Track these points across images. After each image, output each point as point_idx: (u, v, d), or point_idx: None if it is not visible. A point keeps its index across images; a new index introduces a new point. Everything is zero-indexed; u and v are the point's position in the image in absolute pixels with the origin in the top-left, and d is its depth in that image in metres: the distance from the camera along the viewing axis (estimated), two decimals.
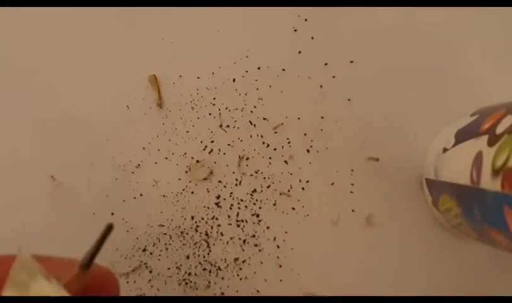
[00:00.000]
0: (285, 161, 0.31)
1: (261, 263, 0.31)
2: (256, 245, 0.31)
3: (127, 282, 0.31)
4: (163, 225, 0.31)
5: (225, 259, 0.31)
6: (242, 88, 0.31)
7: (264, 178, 0.31)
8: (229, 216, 0.31)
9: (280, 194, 0.31)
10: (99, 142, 0.32)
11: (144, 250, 0.31)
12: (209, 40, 0.32)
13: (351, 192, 0.31)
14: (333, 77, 0.31)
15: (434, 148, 0.29)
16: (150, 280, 0.31)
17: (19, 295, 0.13)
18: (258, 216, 0.31)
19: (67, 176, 0.32)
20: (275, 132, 0.31)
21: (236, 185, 0.31)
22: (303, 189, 0.31)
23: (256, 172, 0.31)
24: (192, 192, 0.31)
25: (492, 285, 0.30)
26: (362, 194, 0.31)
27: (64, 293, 0.13)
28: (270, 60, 0.31)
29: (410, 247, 0.30)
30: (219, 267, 0.31)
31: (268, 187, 0.31)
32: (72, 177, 0.32)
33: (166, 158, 0.32)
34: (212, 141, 0.31)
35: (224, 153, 0.31)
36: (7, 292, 0.13)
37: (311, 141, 0.31)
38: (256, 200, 0.31)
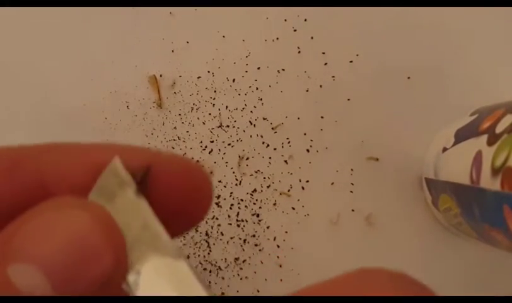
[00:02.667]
0: (285, 161, 0.31)
1: (262, 263, 0.31)
2: (256, 245, 0.31)
3: None
4: None
5: (225, 258, 0.31)
6: (242, 88, 0.31)
7: (264, 178, 0.31)
8: (229, 216, 0.31)
9: (280, 193, 0.31)
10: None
11: None
12: (209, 40, 0.32)
13: (351, 192, 0.31)
14: (333, 77, 0.31)
15: (433, 148, 0.29)
16: None
17: (105, 203, 0.12)
18: (258, 216, 0.31)
19: None
20: (275, 132, 0.31)
21: (236, 185, 0.31)
22: (303, 188, 0.31)
23: (256, 172, 0.31)
24: None
25: (492, 285, 0.30)
26: (362, 194, 0.31)
27: (147, 209, 0.12)
28: (270, 60, 0.31)
29: (410, 246, 0.30)
30: (219, 267, 0.31)
31: (268, 187, 0.31)
32: None
33: None
34: (212, 141, 0.31)
35: (224, 153, 0.31)
36: (93, 196, 0.12)
37: (311, 140, 0.31)
38: (256, 200, 0.31)
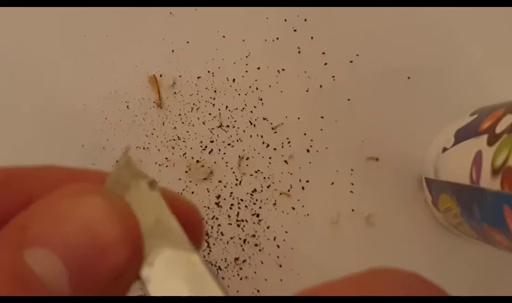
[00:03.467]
0: (285, 161, 0.31)
1: (262, 263, 0.31)
2: (256, 245, 0.31)
3: None
4: None
5: (225, 258, 0.31)
6: (242, 88, 0.31)
7: (264, 178, 0.31)
8: (229, 216, 0.31)
9: (280, 193, 0.31)
10: (100, 142, 0.32)
11: None
12: (209, 40, 0.32)
13: (351, 191, 0.31)
14: (333, 77, 0.31)
15: (433, 148, 0.29)
16: None
17: (119, 194, 0.12)
18: (258, 215, 0.31)
19: None
20: (275, 132, 0.31)
21: (236, 185, 0.31)
22: (303, 188, 0.31)
23: (256, 172, 0.31)
24: (192, 192, 0.31)
25: (492, 285, 0.30)
26: (362, 194, 0.31)
27: (161, 202, 0.12)
28: (270, 60, 0.31)
29: (410, 246, 0.30)
30: (219, 267, 0.31)
31: (268, 187, 0.31)
32: None
33: (166, 158, 0.32)
34: (212, 141, 0.31)
35: (224, 153, 0.31)
36: (109, 185, 0.12)
37: (311, 140, 0.31)
38: (256, 200, 0.31)
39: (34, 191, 0.12)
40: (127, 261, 0.10)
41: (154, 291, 0.11)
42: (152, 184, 0.12)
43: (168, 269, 0.11)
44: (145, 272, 0.11)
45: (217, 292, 0.11)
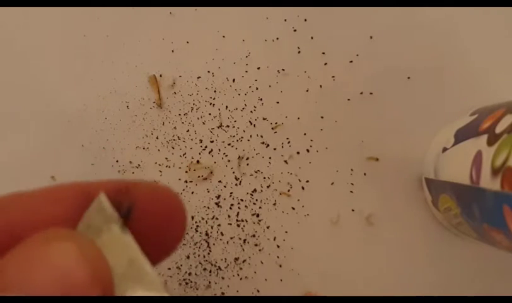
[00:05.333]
0: (285, 161, 0.31)
1: (262, 263, 0.31)
2: (256, 245, 0.31)
3: None
4: None
5: (225, 258, 0.31)
6: (242, 88, 0.31)
7: (264, 178, 0.31)
8: (229, 216, 0.31)
9: (280, 193, 0.31)
10: (100, 142, 0.32)
11: None
12: (209, 40, 0.32)
13: (351, 192, 0.31)
14: (333, 77, 0.31)
15: (433, 148, 0.29)
16: None
17: (91, 237, 0.12)
18: (258, 216, 0.31)
19: (67, 176, 0.32)
20: (275, 132, 0.31)
21: (236, 185, 0.31)
22: (303, 188, 0.31)
23: (256, 172, 0.31)
24: (192, 192, 0.31)
25: (492, 285, 0.30)
26: (362, 194, 0.31)
27: (133, 245, 0.12)
28: (270, 60, 0.31)
29: (410, 246, 0.30)
30: (219, 267, 0.31)
31: (268, 187, 0.31)
32: (73, 177, 0.32)
33: (166, 158, 0.32)
34: (212, 141, 0.31)
35: (224, 153, 0.31)
36: (81, 229, 0.12)
37: (311, 140, 0.31)
38: (256, 200, 0.31)
39: (15, 222, 0.12)
40: None
41: None
42: (124, 226, 0.12)
43: None
44: None
45: None
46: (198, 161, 0.31)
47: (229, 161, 0.31)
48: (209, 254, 0.31)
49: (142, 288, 0.12)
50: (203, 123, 0.31)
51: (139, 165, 0.32)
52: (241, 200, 0.31)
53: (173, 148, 0.32)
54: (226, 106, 0.31)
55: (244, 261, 0.31)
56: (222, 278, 0.31)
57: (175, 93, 0.32)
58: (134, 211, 0.13)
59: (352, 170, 0.31)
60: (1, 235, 0.12)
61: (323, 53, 0.31)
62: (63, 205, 0.13)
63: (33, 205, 0.13)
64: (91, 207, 0.12)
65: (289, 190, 0.31)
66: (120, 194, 0.13)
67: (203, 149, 0.31)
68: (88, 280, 0.11)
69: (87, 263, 0.11)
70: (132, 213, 0.13)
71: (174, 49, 0.32)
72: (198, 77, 0.32)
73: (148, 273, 0.12)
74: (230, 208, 0.31)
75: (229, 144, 0.31)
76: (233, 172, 0.31)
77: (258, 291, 0.31)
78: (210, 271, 0.31)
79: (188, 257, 0.31)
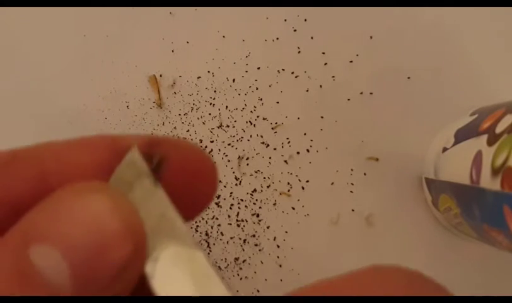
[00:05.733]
0: (285, 161, 0.31)
1: (262, 263, 0.31)
2: (256, 245, 0.31)
3: None
4: None
5: (225, 258, 0.31)
6: (242, 88, 0.31)
7: (264, 178, 0.31)
8: (229, 216, 0.31)
9: (280, 193, 0.31)
10: None
11: None
12: (209, 40, 0.32)
13: (351, 191, 0.31)
14: (333, 77, 0.31)
15: (433, 148, 0.29)
16: None
17: (123, 191, 0.12)
18: (258, 215, 0.31)
19: None
20: (275, 132, 0.31)
21: (236, 185, 0.31)
22: (303, 188, 0.31)
23: (256, 172, 0.31)
24: None
25: (492, 284, 0.30)
26: (362, 194, 0.31)
27: (165, 199, 0.12)
28: (270, 60, 0.31)
29: (410, 246, 0.30)
30: (219, 267, 0.31)
31: (268, 187, 0.31)
32: None
33: None
34: (212, 141, 0.31)
35: (224, 153, 0.31)
36: (113, 183, 0.12)
37: (311, 140, 0.31)
38: (256, 200, 0.31)
39: (47, 165, 0.12)
40: (130, 256, 0.11)
41: (158, 286, 0.11)
42: (156, 181, 0.12)
43: (172, 265, 0.11)
44: (149, 268, 0.11)
45: (221, 288, 0.11)
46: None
47: (229, 161, 0.31)
48: (208, 254, 0.31)
49: (174, 242, 0.12)
50: (203, 123, 0.31)
51: None
52: (241, 200, 0.31)
53: None
54: (226, 107, 0.31)
55: (244, 261, 0.31)
56: (222, 278, 0.31)
57: (175, 93, 0.32)
58: (165, 165, 0.12)
59: (352, 170, 0.31)
60: (35, 183, 0.12)
61: (323, 53, 0.31)
62: (96, 156, 0.12)
63: (66, 155, 0.12)
64: (123, 162, 0.12)
65: (289, 190, 0.31)
66: (151, 148, 0.12)
67: (203, 149, 0.31)
68: (122, 233, 0.10)
69: (121, 216, 0.11)
70: (163, 166, 0.12)
71: (174, 49, 0.32)
72: (198, 77, 0.32)
73: (179, 228, 0.12)
74: (230, 208, 0.31)
75: (229, 144, 0.31)
76: (233, 172, 0.31)
77: (258, 291, 0.31)
78: None
79: None
